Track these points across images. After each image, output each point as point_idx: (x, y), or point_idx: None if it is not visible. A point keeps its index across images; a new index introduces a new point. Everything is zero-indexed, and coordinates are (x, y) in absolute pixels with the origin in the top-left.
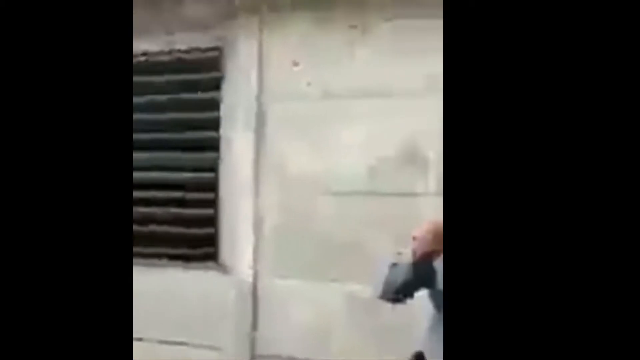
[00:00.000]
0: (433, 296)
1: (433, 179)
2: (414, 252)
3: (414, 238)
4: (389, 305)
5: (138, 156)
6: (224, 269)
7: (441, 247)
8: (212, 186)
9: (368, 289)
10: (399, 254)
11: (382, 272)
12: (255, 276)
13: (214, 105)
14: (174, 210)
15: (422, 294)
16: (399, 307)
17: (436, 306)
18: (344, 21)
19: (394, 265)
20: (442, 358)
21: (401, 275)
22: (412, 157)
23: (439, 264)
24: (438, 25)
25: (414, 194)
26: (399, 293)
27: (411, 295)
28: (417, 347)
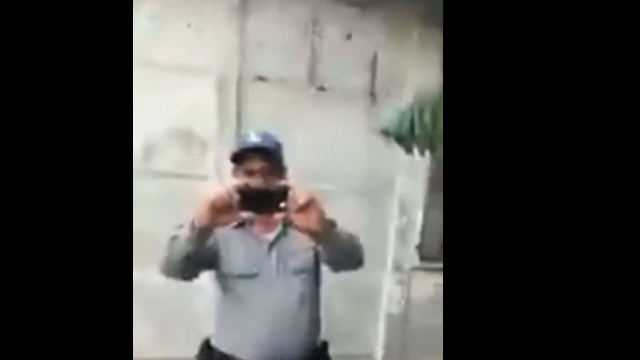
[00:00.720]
0: (218, 279)
1: (210, 160)
2: (192, 224)
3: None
4: (177, 292)
5: None
6: None
7: (219, 219)
8: None
9: (153, 275)
10: (180, 226)
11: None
12: None
13: None
14: None
15: (208, 276)
16: (188, 292)
17: (222, 289)
18: None
19: (174, 238)
20: (229, 343)
21: (182, 249)
22: (187, 136)
23: (224, 248)
24: None
25: (192, 176)
26: (184, 272)
27: (195, 275)
28: (206, 333)
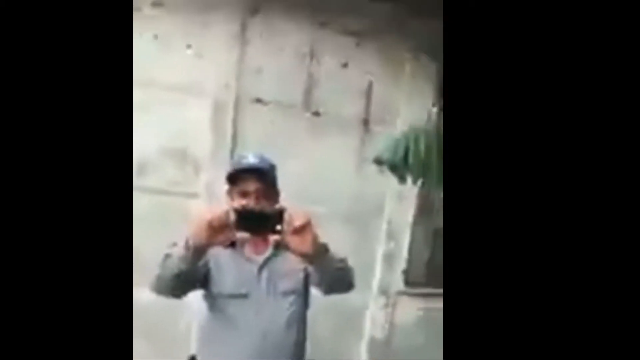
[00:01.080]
0: (207, 297)
1: (202, 179)
2: (187, 243)
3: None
4: (165, 309)
5: None
6: None
7: (215, 239)
8: None
9: (141, 291)
10: (174, 244)
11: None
12: None
13: None
14: None
15: (197, 295)
16: (176, 310)
17: (210, 308)
18: None
19: (168, 256)
20: None
21: (175, 267)
22: (181, 155)
23: (215, 267)
24: (215, 19)
25: (182, 193)
26: (174, 290)
27: (185, 293)
28: (192, 351)
